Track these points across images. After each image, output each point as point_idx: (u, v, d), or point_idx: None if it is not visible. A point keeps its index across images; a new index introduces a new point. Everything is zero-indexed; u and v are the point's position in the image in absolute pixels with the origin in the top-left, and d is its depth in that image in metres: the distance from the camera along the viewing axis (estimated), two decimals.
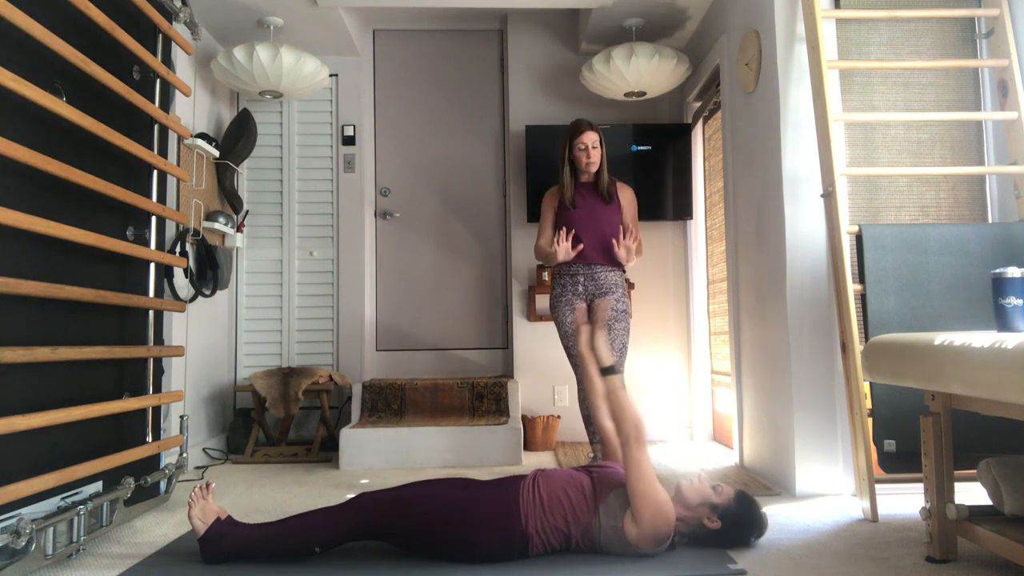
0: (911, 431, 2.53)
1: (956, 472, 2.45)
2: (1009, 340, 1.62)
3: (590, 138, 3.23)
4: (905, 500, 2.70)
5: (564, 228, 3.19)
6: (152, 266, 2.78)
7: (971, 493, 2.66)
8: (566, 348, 3.27)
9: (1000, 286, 1.96)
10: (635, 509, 2.00)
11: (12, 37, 2.01)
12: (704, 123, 4.35)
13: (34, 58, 2.10)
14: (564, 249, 3.08)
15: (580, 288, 3.23)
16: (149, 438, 2.73)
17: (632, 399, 2.14)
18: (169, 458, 3.18)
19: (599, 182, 3.29)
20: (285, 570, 2.02)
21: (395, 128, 4.76)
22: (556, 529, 2.05)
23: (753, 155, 3.26)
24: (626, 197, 3.33)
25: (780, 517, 2.52)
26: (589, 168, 3.26)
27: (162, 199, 2.85)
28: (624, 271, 3.28)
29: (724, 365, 4.01)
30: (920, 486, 2.76)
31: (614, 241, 3.15)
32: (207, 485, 2.20)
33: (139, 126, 2.72)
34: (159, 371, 2.82)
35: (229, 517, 2.14)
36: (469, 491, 2.09)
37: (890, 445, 2.53)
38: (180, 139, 3.58)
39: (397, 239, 4.71)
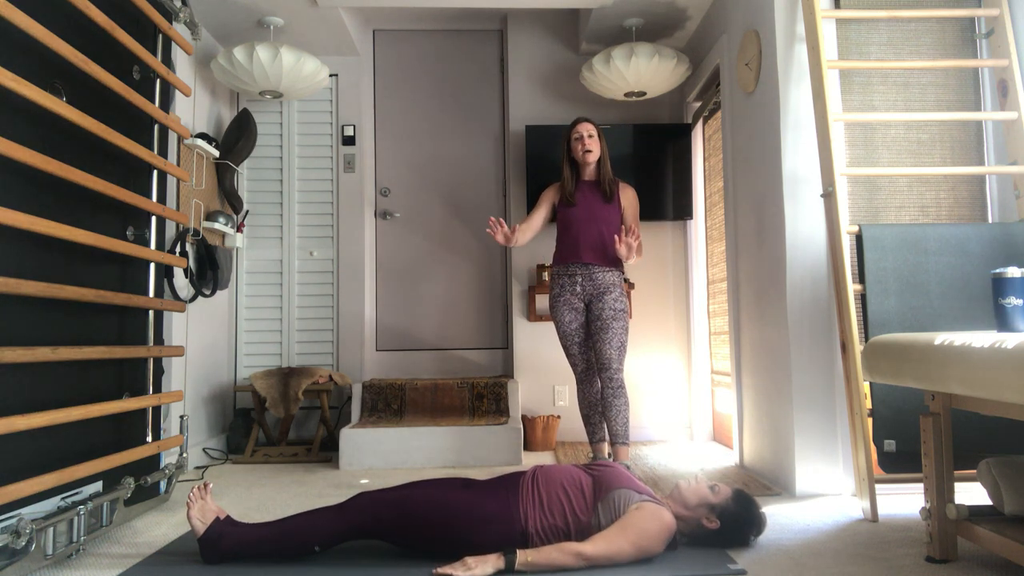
0: (911, 431, 2.53)
1: (956, 472, 2.45)
2: (1009, 340, 1.62)
3: (586, 128, 3.28)
4: (905, 500, 2.70)
5: (508, 224, 3.22)
6: (152, 266, 2.78)
7: (971, 493, 2.65)
8: (565, 348, 3.30)
9: (1000, 286, 1.96)
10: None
11: (12, 37, 2.01)
12: (704, 123, 4.35)
13: (34, 58, 2.10)
14: (503, 233, 3.18)
15: (578, 288, 3.24)
16: (149, 438, 2.73)
17: (548, 553, 1.95)
18: (169, 458, 3.18)
19: (600, 179, 3.29)
20: (285, 570, 2.02)
21: (395, 128, 4.76)
22: (555, 528, 2.05)
23: (753, 155, 3.26)
24: (627, 197, 3.34)
25: (780, 517, 2.52)
26: (587, 158, 3.27)
27: (162, 199, 2.85)
28: (622, 270, 3.29)
29: (724, 365, 4.01)
30: (920, 486, 2.75)
31: (616, 237, 3.15)
32: (205, 485, 2.20)
33: (139, 126, 2.72)
34: (159, 371, 2.82)
35: (228, 517, 2.14)
36: (469, 491, 2.09)
37: (890, 445, 2.53)
38: (180, 139, 3.58)
39: (397, 239, 4.71)
